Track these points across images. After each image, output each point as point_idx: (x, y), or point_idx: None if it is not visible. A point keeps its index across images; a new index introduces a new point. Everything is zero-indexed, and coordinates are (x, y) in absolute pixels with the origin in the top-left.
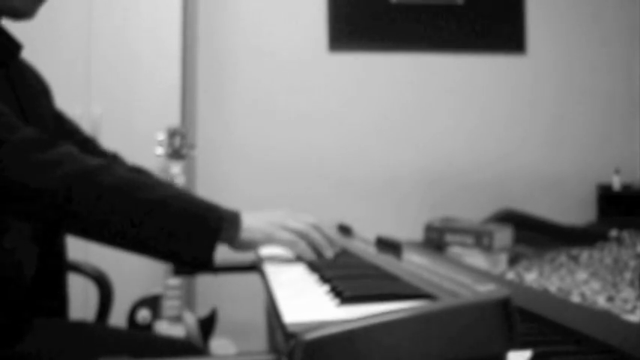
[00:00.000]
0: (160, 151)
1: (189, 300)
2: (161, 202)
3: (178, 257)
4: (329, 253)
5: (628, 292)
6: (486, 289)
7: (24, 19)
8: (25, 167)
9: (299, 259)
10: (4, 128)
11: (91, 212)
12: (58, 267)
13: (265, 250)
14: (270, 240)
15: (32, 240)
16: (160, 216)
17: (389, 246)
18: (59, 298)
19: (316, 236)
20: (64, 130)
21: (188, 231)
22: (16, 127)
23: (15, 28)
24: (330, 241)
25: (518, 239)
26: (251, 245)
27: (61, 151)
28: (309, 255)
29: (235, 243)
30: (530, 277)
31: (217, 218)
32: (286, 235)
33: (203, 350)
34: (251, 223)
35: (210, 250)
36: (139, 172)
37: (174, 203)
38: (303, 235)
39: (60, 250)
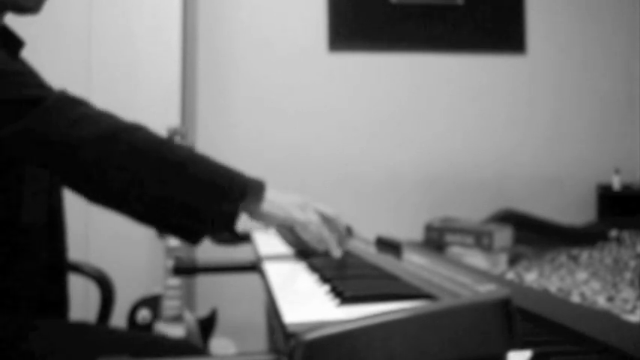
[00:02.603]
0: None
1: (189, 300)
2: (187, 163)
3: (200, 219)
4: (336, 253)
5: (628, 292)
6: (486, 289)
7: (29, 15)
8: (60, 124)
9: (299, 258)
10: (36, 87)
11: (121, 169)
12: (60, 267)
13: (265, 250)
14: (288, 218)
15: (34, 239)
16: (187, 176)
17: (389, 246)
18: (61, 298)
19: (327, 234)
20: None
21: (213, 190)
22: (49, 87)
23: (15, 27)
24: (341, 239)
25: (518, 239)
26: (270, 219)
27: (93, 109)
28: (316, 243)
29: (256, 213)
30: (530, 277)
31: (242, 182)
32: (304, 216)
33: (203, 350)
34: (274, 197)
35: (233, 211)
36: None
37: (201, 165)
38: (316, 226)
39: (61, 251)
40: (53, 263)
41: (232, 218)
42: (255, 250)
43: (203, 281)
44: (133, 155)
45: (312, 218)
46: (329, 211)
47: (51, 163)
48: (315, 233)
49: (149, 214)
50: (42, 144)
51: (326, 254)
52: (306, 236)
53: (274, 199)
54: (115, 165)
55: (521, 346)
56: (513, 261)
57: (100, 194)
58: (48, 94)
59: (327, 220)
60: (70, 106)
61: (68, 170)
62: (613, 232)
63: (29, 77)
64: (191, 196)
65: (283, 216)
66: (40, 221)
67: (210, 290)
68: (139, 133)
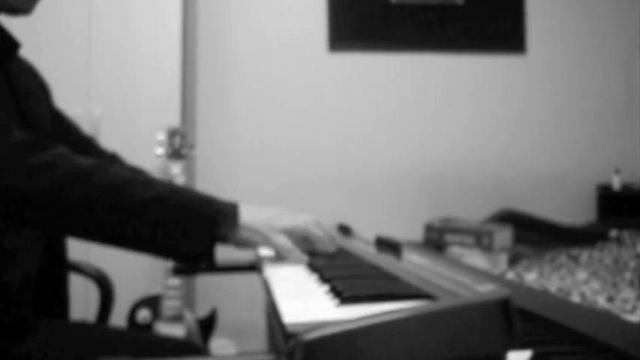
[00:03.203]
0: (160, 151)
1: (189, 300)
2: (156, 198)
3: (177, 253)
4: (331, 248)
5: (628, 292)
6: (486, 289)
7: (21, 16)
8: (18, 171)
9: None
10: None
11: (86, 213)
12: (60, 267)
13: (265, 250)
14: (267, 243)
15: (33, 240)
16: (156, 213)
17: (389, 246)
18: (61, 298)
19: (317, 232)
20: (63, 129)
21: (184, 226)
22: (9, 130)
23: (15, 27)
24: (330, 238)
25: (518, 239)
26: (248, 245)
27: (53, 152)
28: (302, 262)
29: (233, 239)
30: (530, 277)
31: (214, 212)
32: (283, 242)
33: (203, 350)
34: (249, 220)
35: (207, 243)
36: (136, 172)
37: (170, 199)
38: (303, 233)
39: (61, 251)
40: (53, 263)
41: (208, 252)
42: (255, 250)
43: (203, 281)
44: (95, 198)
45: (299, 224)
46: (307, 217)
47: (11, 212)
48: (296, 256)
49: (123, 248)
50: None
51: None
52: (289, 259)
53: (249, 223)
54: (78, 209)
55: (521, 346)
56: (513, 261)
57: (69, 235)
58: (5, 140)
59: (311, 224)
60: (27, 153)
61: (31, 218)
62: (613, 232)
63: None
64: (160, 235)
65: (261, 241)
66: (25, 245)
67: (210, 290)
68: (99, 175)
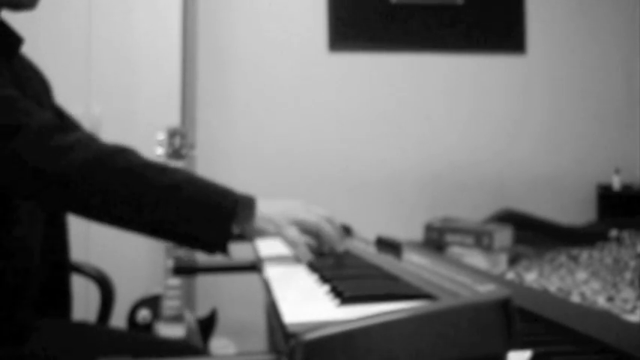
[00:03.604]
0: (160, 151)
1: (189, 300)
2: (176, 185)
3: (193, 240)
4: (340, 247)
5: (628, 292)
6: (486, 289)
7: (25, 10)
8: (43, 152)
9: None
10: (22, 113)
11: (107, 196)
12: (62, 268)
13: (265, 250)
14: (279, 234)
15: (33, 239)
16: (175, 199)
17: (389, 246)
18: (63, 298)
19: (329, 229)
20: (65, 125)
21: (203, 214)
22: (34, 112)
23: (15, 27)
24: (340, 237)
25: (518, 239)
26: (261, 235)
27: (76, 135)
28: (306, 259)
29: (248, 229)
30: (530, 277)
31: (232, 202)
32: (293, 234)
33: (203, 350)
34: (265, 211)
35: (225, 232)
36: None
37: (189, 187)
38: (315, 228)
39: (62, 251)
40: (55, 264)
41: (224, 241)
42: (255, 251)
43: (203, 281)
44: (117, 182)
45: (313, 219)
46: (322, 212)
47: (34, 191)
48: (303, 251)
49: (142, 232)
50: (25, 172)
51: (322, 255)
52: (295, 253)
53: (265, 213)
54: (100, 192)
55: (521, 346)
56: (513, 261)
57: (89, 217)
58: (31, 122)
59: (324, 220)
60: (53, 134)
61: (53, 198)
62: (613, 232)
63: (15, 103)
64: (178, 221)
65: (274, 232)
66: (35, 239)
67: (210, 290)
68: (121, 159)
